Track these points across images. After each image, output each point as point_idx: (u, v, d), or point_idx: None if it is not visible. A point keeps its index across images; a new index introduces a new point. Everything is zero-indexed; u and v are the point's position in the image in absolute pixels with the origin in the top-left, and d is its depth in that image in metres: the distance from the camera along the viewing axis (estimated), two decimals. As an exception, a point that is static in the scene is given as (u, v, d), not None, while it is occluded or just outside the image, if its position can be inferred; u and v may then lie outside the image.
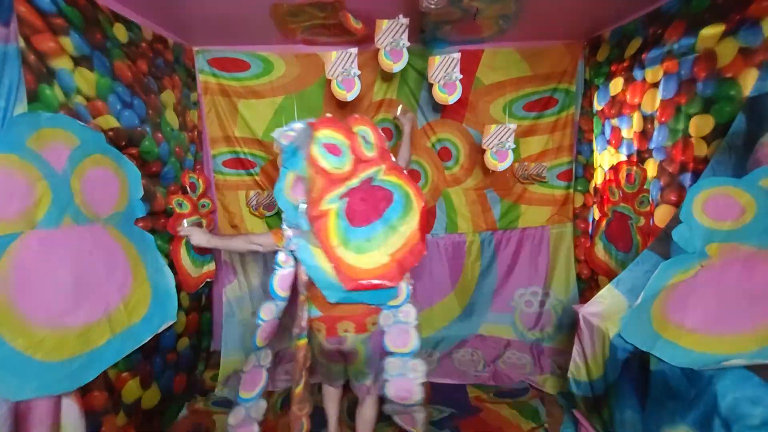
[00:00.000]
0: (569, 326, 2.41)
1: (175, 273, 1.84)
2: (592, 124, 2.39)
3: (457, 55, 1.97)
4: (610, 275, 2.11)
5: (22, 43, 1.20)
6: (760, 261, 1.30)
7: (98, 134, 1.47)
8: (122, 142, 1.60)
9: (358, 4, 1.78)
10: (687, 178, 1.68)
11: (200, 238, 1.73)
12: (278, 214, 2.51)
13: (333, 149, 1.38)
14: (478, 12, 1.84)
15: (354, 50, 1.90)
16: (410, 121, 1.97)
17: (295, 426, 1.61)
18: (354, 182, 1.40)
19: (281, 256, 1.50)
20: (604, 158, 2.28)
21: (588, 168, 2.47)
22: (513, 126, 2.12)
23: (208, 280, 2.21)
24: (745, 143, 1.40)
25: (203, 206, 2.20)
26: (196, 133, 2.22)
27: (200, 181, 2.18)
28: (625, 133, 2.08)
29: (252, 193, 2.47)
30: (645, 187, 1.95)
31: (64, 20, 1.36)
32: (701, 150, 1.62)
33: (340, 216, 1.38)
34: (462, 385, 2.24)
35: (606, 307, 1.66)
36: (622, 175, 2.11)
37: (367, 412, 1.70)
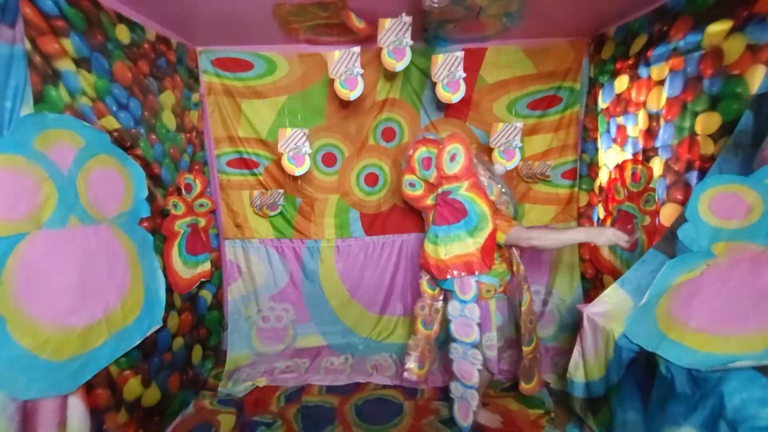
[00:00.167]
0: (573, 326, 2.39)
1: (166, 274, 1.84)
2: (596, 122, 2.37)
3: (460, 54, 1.96)
4: (615, 274, 2.10)
5: (28, 45, 1.22)
6: (767, 260, 1.29)
7: (103, 135, 1.49)
8: (127, 142, 1.61)
9: (361, 3, 1.78)
10: (693, 176, 1.66)
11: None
12: (282, 214, 2.52)
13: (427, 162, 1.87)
14: (481, 10, 1.83)
15: (357, 49, 1.89)
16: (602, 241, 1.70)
17: None
18: (439, 191, 1.84)
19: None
20: (609, 156, 2.26)
21: (593, 166, 2.45)
22: (520, 124, 2.11)
23: (203, 280, 2.22)
24: (752, 141, 1.38)
25: (201, 206, 2.21)
26: (194, 134, 2.22)
27: (197, 181, 2.19)
28: (631, 131, 2.06)
29: (256, 192, 2.48)
30: (650, 185, 1.93)
31: (65, 22, 1.37)
32: (707, 148, 1.60)
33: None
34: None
35: (611, 307, 1.65)
36: (628, 174, 2.09)
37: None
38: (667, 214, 1.79)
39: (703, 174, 1.60)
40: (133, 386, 1.60)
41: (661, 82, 1.81)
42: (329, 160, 2.50)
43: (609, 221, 2.28)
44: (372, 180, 2.55)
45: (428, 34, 2.15)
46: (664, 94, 1.79)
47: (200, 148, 2.31)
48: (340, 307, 2.64)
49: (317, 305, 2.62)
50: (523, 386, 1.95)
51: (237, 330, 2.56)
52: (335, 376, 2.32)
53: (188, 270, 2.08)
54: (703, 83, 1.60)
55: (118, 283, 1.51)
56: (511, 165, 2.17)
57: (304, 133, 2.07)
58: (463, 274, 1.75)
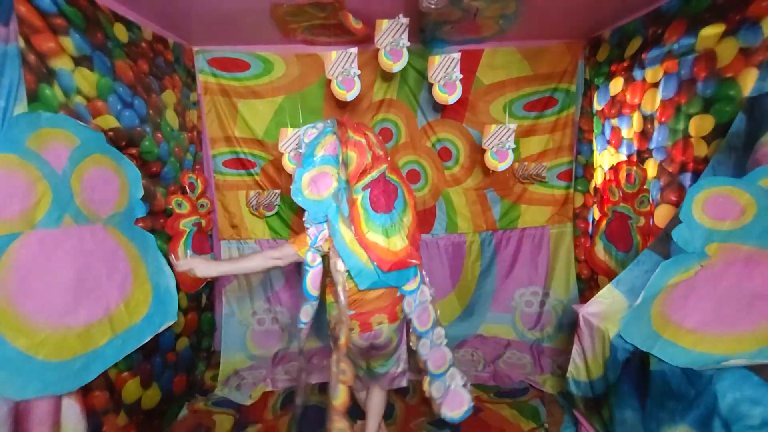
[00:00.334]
0: (569, 326, 2.41)
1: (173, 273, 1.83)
2: (592, 124, 2.39)
3: (457, 55, 1.97)
4: (610, 275, 2.11)
5: (22, 43, 1.20)
6: (760, 261, 1.30)
7: (98, 134, 1.47)
8: (122, 142, 1.60)
9: (358, 4, 1.78)
10: (687, 178, 1.68)
11: (206, 269, 1.53)
12: (279, 214, 2.51)
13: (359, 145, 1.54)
14: (478, 12, 1.84)
15: (354, 50, 1.90)
16: None
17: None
18: (374, 175, 1.55)
19: (309, 256, 1.53)
20: (604, 158, 2.28)
21: (588, 168, 2.47)
22: (513, 126, 2.12)
23: (209, 280, 2.21)
24: (745, 143, 1.40)
25: (202, 206, 2.20)
26: (195, 133, 2.22)
27: (199, 181, 2.18)
28: (625, 133, 2.08)
29: (252, 193, 2.47)
30: (645, 187, 1.95)
31: (65, 20, 1.36)
32: (701, 150, 1.62)
33: (365, 205, 1.53)
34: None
35: (606, 307, 1.66)
36: (622, 175, 2.11)
37: (378, 401, 1.77)
38: (662, 216, 1.81)
39: (696, 176, 1.62)
40: (132, 388, 1.59)
41: (656, 85, 1.83)
42: (326, 160, 2.50)
43: (604, 222, 2.29)
44: (369, 181, 2.54)
45: (425, 36, 2.15)
46: (659, 97, 1.81)
47: (200, 148, 2.30)
48: (336, 307, 2.63)
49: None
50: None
51: (231, 332, 2.54)
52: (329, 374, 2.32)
53: None
54: (696, 86, 1.62)
55: (119, 283, 1.49)
56: (503, 166, 2.18)
57: None
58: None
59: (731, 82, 1.48)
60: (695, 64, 1.62)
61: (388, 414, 2.02)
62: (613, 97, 2.15)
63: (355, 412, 1.85)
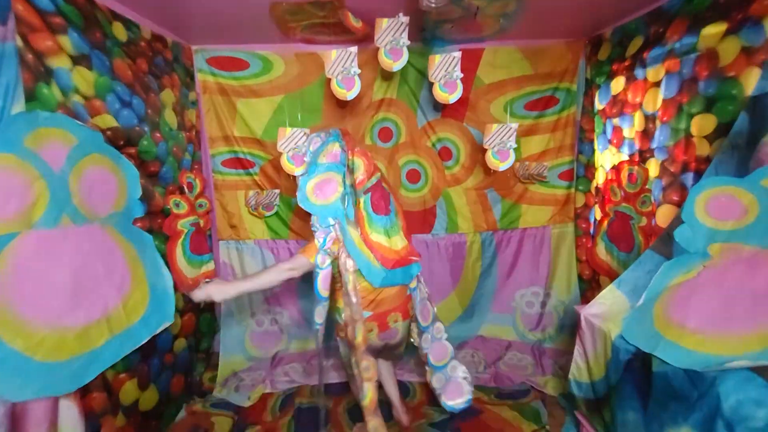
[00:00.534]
0: (571, 327, 2.40)
1: (170, 274, 1.82)
2: (593, 123, 2.38)
3: (457, 54, 1.96)
4: (612, 276, 2.10)
5: (19, 42, 1.20)
6: (763, 261, 1.29)
7: (96, 134, 1.47)
8: (120, 141, 1.59)
9: (358, 2, 1.77)
10: (689, 177, 1.67)
11: (223, 293, 1.57)
12: (278, 214, 2.50)
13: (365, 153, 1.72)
14: (478, 10, 1.83)
15: (354, 49, 1.88)
16: None
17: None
18: (373, 180, 1.69)
19: (319, 259, 1.59)
20: (606, 158, 2.27)
21: (589, 168, 2.46)
22: (514, 125, 2.11)
23: (207, 280, 2.20)
24: (748, 142, 1.39)
25: (200, 206, 2.19)
26: (194, 132, 2.21)
27: (197, 181, 2.17)
28: (627, 132, 2.07)
29: (251, 192, 2.46)
30: (647, 186, 1.93)
31: (63, 19, 1.35)
32: (703, 149, 1.61)
33: (367, 208, 1.64)
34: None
35: (608, 308, 1.65)
36: (624, 175, 2.10)
37: (391, 369, 1.93)
38: (664, 216, 1.80)
39: (699, 175, 1.60)
40: (129, 389, 1.58)
41: (657, 84, 1.82)
42: (326, 160, 2.49)
43: (606, 222, 2.28)
44: (369, 180, 2.54)
45: (425, 34, 2.14)
46: (660, 96, 1.80)
47: (199, 147, 2.29)
48: (336, 308, 2.62)
49: (313, 308, 2.60)
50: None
51: (230, 333, 2.52)
52: (329, 374, 2.31)
53: (193, 269, 2.06)
54: (698, 85, 1.60)
55: (117, 283, 1.48)
56: (504, 166, 2.17)
57: (305, 133, 2.06)
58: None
59: (733, 82, 1.47)
60: (697, 63, 1.61)
61: (388, 416, 2.01)
62: (615, 97, 2.14)
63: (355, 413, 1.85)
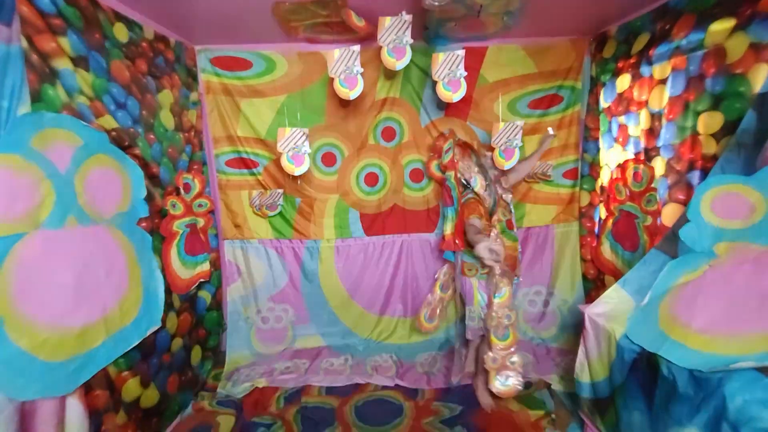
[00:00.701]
0: (574, 326, 2.38)
1: (164, 275, 1.83)
2: (598, 121, 2.36)
3: (461, 52, 1.94)
4: (617, 275, 2.09)
5: (24, 44, 1.21)
6: (771, 261, 1.28)
7: (101, 134, 1.48)
8: (125, 142, 1.60)
9: (361, 1, 1.77)
10: (695, 176, 1.65)
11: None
12: (282, 214, 2.51)
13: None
14: (482, 8, 1.82)
15: (356, 48, 1.88)
16: (548, 142, 2.20)
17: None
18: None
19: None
20: (611, 156, 2.25)
21: (594, 166, 2.44)
22: (521, 123, 2.10)
23: (202, 280, 2.21)
24: (755, 140, 1.37)
25: (200, 206, 2.20)
26: (193, 133, 2.21)
27: (196, 181, 2.17)
28: (633, 130, 2.05)
29: (255, 192, 2.47)
30: (652, 185, 1.92)
31: (63, 20, 1.36)
32: (710, 147, 1.59)
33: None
34: (469, 384, 2.23)
35: (612, 308, 1.64)
36: (629, 174, 2.08)
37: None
38: (669, 214, 1.78)
39: (705, 174, 1.59)
40: (131, 387, 1.59)
41: (663, 81, 1.80)
42: (329, 159, 2.49)
43: (611, 221, 2.27)
44: (372, 180, 2.54)
45: (429, 33, 2.13)
46: (666, 93, 1.78)
47: (199, 148, 2.29)
48: (339, 307, 2.63)
49: (317, 306, 2.61)
50: (494, 385, 1.92)
51: (236, 331, 2.55)
52: (335, 377, 2.31)
53: (187, 270, 2.07)
54: (705, 82, 1.59)
55: (115, 284, 1.50)
56: (509, 164, 2.16)
57: (304, 133, 2.07)
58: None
59: (741, 78, 1.45)
60: (704, 60, 1.59)
61: (398, 412, 2.02)
62: (620, 94, 2.12)
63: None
